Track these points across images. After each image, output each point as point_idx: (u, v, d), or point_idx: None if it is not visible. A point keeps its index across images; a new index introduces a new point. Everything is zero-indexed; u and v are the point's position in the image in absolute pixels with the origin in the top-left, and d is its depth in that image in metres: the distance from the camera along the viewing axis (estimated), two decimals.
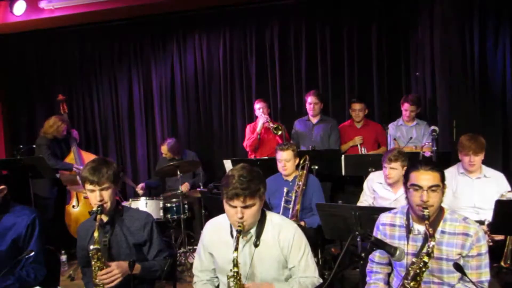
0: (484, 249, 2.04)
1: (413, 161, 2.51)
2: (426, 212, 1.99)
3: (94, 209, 2.23)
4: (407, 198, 2.14)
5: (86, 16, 5.48)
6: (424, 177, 2.03)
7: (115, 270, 2.17)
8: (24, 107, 6.27)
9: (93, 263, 2.17)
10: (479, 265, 2.04)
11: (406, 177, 2.14)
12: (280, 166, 3.75)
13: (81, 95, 6.18)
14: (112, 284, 2.17)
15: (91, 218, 2.29)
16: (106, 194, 2.25)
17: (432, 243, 1.94)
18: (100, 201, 2.23)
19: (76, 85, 6.17)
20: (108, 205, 2.27)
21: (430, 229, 1.97)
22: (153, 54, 5.91)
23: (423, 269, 1.96)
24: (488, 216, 3.23)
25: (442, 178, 2.07)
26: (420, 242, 2.09)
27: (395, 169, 3.40)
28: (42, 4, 5.34)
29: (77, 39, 6.05)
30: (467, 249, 2.03)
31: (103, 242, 2.29)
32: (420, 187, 2.03)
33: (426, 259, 1.95)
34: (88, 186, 2.24)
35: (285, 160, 3.71)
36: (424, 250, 2.00)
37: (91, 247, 2.15)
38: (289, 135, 5.02)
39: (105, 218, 2.34)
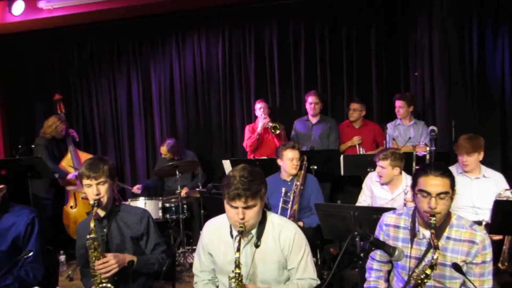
0: (489, 257, 1.99)
1: (423, 165, 2.45)
2: (433, 220, 1.92)
3: (91, 202, 2.28)
4: (414, 201, 2.09)
5: (85, 16, 5.48)
6: (433, 183, 1.95)
7: (112, 260, 2.21)
8: (23, 107, 6.27)
9: (90, 253, 2.22)
10: (483, 273, 1.99)
11: (414, 180, 2.06)
12: (291, 165, 3.70)
13: (80, 95, 6.18)
14: (109, 274, 2.21)
15: (90, 217, 2.31)
16: (103, 188, 2.31)
17: (436, 255, 1.88)
18: (97, 195, 2.29)
19: (75, 85, 6.16)
20: (105, 199, 2.33)
21: (435, 240, 1.90)
22: (152, 54, 5.90)
23: (425, 281, 1.92)
24: (486, 216, 3.24)
25: (452, 184, 1.99)
26: (425, 247, 2.05)
27: (384, 168, 3.42)
28: (40, 4, 5.34)
29: (76, 39, 6.05)
30: (472, 256, 1.98)
31: (101, 236, 2.34)
32: (429, 194, 1.95)
33: (428, 271, 1.90)
34: (85, 181, 2.30)
35: (296, 158, 3.72)
36: (427, 260, 1.98)
37: (88, 236, 2.20)
38: (287, 135, 5.03)
39: (102, 213, 2.39)
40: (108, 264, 2.21)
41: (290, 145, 3.73)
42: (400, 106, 4.57)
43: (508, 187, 3.39)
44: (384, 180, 3.48)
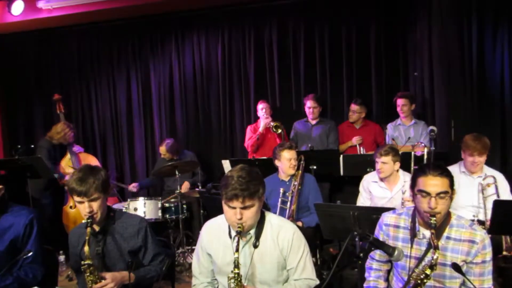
0: (489, 256, 1.99)
1: (421, 165, 2.45)
2: (433, 220, 1.92)
3: (84, 221, 2.15)
4: (413, 201, 2.09)
5: (84, 16, 5.48)
6: (432, 183, 1.96)
7: (110, 283, 2.11)
8: (22, 107, 6.27)
9: (86, 276, 2.11)
10: (482, 272, 2.00)
11: (413, 181, 2.07)
12: (289, 165, 3.71)
13: (79, 95, 6.17)
14: None
15: (83, 225, 2.23)
16: (95, 205, 2.16)
17: (436, 255, 1.88)
18: (90, 212, 2.15)
19: (74, 85, 6.15)
20: (98, 215, 2.19)
21: (435, 240, 1.91)
22: (151, 54, 5.90)
23: (424, 281, 1.92)
24: (487, 215, 3.24)
25: (451, 184, 1.99)
26: (425, 247, 2.05)
27: (386, 163, 3.44)
28: (40, 4, 5.34)
29: (75, 39, 6.05)
30: (472, 256, 1.98)
31: (96, 251, 2.23)
32: (428, 194, 1.95)
33: (428, 271, 1.90)
34: (76, 198, 2.16)
35: (294, 159, 3.73)
36: (427, 260, 1.97)
37: (83, 262, 2.09)
38: (287, 135, 5.03)
39: (96, 227, 2.27)
40: (107, 287, 2.10)
41: (287, 146, 3.74)
42: (403, 104, 4.56)
43: (508, 187, 3.40)
44: (384, 174, 3.49)
